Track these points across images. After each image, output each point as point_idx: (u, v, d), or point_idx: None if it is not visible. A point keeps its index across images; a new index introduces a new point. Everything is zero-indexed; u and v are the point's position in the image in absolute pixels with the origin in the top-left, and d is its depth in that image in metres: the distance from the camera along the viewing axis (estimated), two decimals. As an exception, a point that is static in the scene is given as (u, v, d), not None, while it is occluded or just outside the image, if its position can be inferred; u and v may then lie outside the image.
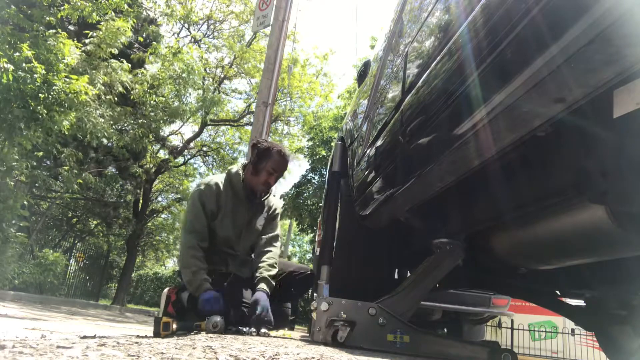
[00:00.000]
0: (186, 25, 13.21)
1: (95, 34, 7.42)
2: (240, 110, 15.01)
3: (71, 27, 9.87)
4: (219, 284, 2.15)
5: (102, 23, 7.38)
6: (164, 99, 10.04)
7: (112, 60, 7.78)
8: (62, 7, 6.75)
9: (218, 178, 2.28)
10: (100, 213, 12.91)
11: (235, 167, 2.33)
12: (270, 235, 2.35)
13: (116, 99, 8.42)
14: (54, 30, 6.13)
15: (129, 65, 8.35)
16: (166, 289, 2.33)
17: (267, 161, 2.23)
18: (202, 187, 2.24)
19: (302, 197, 14.21)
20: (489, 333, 8.42)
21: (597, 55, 0.73)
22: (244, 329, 1.92)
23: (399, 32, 1.97)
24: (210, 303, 1.96)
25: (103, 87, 7.35)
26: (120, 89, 8.09)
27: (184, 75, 9.78)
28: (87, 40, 7.44)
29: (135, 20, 8.72)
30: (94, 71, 7.15)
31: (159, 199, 16.31)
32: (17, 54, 5.37)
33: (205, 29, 13.70)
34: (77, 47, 6.47)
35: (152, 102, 9.86)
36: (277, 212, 2.44)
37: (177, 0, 12.16)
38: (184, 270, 2.12)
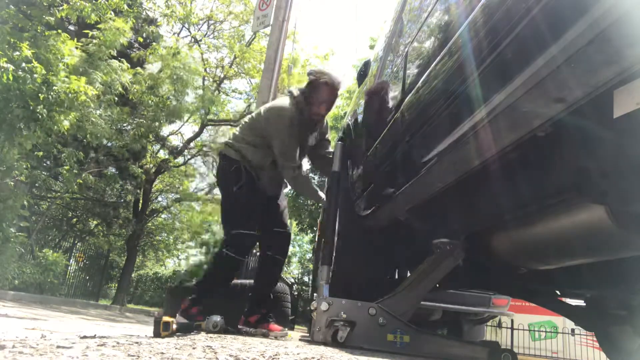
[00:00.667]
0: (186, 25, 13.21)
1: (95, 35, 7.41)
2: (240, 110, 15.00)
3: (71, 27, 9.87)
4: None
5: (101, 24, 7.38)
6: (162, 98, 10.02)
7: (112, 61, 7.78)
8: (61, 7, 6.74)
9: (289, 106, 2.33)
10: (100, 213, 12.91)
11: (298, 94, 2.40)
12: (327, 150, 2.64)
13: (116, 99, 8.41)
14: (54, 31, 6.13)
15: (129, 65, 8.35)
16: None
17: (316, 93, 2.35)
18: (286, 110, 2.29)
19: (302, 197, 14.22)
20: (489, 333, 8.42)
21: (597, 55, 0.73)
22: (244, 329, 1.92)
23: (399, 32, 1.97)
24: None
25: (102, 87, 7.34)
26: (120, 89, 8.08)
27: (183, 76, 9.77)
28: (87, 40, 7.44)
29: (134, 21, 8.71)
30: (92, 71, 7.14)
31: (159, 199, 16.30)
32: (17, 53, 5.37)
33: (206, 29, 13.71)
34: (77, 47, 6.47)
35: (150, 101, 9.85)
36: (325, 126, 2.63)
37: (177, 1, 12.16)
38: (304, 189, 2.48)
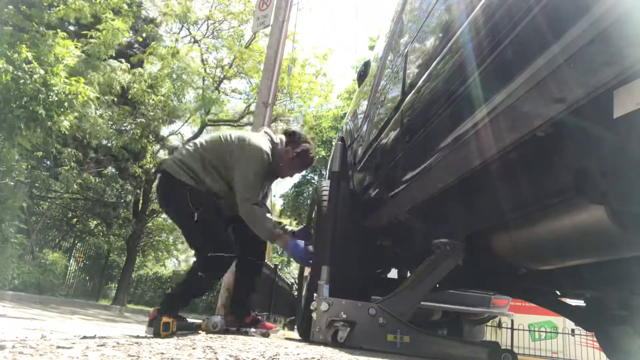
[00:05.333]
0: (185, 25, 13.21)
1: (95, 36, 7.41)
2: (240, 110, 15.00)
3: (71, 27, 9.87)
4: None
5: (101, 24, 7.37)
6: (162, 98, 10.02)
7: (111, 61, 7.77)
8: (58, 8, 6.74)
9: (267, 147, 2.28)
10: (100, 213, 12.89)
11: (277, 142, 2.37)
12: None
13: (115, 99, 8.41)
14: (54, 31, 6.13)
15: (128, 65, 8.34)
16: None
17: (302, 162, 2.43)
18: (265, 155, 2.23)
19: (301, 197, 14.23)
20: (489, 333, 8.42)
21: (597, 55, 0.73)
22: (243, 329, 1.92)
23: (399, 32, 1.97)
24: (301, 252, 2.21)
25: (100, 88, 7.34)
26: (118, 88, 8.07)
27: (183, 75, 9.77)
28: (85, 41, 7.43)
29: (133, 20, 8.71)
30: (91, 71, 7.13)
31: (159, 199, 16.25)
32: (16, 54, 5.37)
33: (205, 29, 13.71)
34: (76, 48, 6.47)
35: (150, 101, 9.85)
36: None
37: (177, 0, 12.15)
38: (254, 223, 2.19)
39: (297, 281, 4.39)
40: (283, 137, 2.43)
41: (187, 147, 2.33)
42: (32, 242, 8.26)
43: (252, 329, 2.20)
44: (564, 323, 8.44)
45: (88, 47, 7.28)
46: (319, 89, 14.28)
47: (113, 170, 12.61)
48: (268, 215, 2.19)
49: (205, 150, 2.23)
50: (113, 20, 7.44)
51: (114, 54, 7.81)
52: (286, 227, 2.40)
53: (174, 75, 9.69)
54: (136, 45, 11.12)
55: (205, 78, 12.64)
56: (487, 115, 0.99)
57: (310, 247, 2.27)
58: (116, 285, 14.23)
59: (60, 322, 3.55)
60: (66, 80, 5.88)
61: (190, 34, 13.43)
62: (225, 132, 2.37)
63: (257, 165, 2.18)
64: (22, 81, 5.33)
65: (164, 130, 13.06)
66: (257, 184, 2.19)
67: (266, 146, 2.26)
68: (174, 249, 17.99)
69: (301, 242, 2.24)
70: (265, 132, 2.42)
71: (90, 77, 6.93)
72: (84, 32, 7.59)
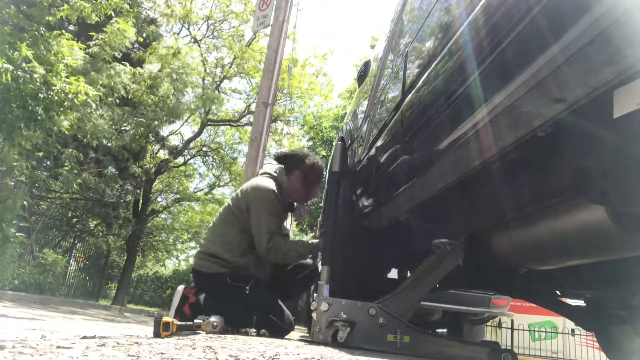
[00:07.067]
0: (186, 25, 13.21)
1: (100, 37, 7.41)
2: (240, 110, 15.01)
3: (71, 27, 9.87)
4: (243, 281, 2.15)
5: (107, 26, 7.37)
6: (162, 97, 10.02)
7: (115, 64, 7.78)
8: (61, 8, 6.74)
9: (274, 187, 2.23)
10: (100, 213, 12.89)
11: (277, 176, 2.32)
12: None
13: (117, 101, 8.41)
14: (57, 31, 6.13)
15: (131, 68, 8.35)
16: (181, 287, 2.25)
17: (314, 178, 2.30)
18: (274, 195, 2.19)
19: (301, 197, 14.20)
20: (489, 333, 8.41)
21: (597, 55, 0.73)
22: (243, 329, 1.92)
23: (399, 32, 1.97)
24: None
25: (103, 90, 7.34)
26: (123, 92, 8.08)
27: (183, 75, 9.76)
28: (91, 43, 7.44)
29: (134, 21, 8.71)
30: (94, 73, 7.14)
31: (159, 199, 16.30)
32: (16, 53, 5.37)
33: (205, 29, 13.71)
34: (80, 49, 6.47)
35: (150, 101, 9.85)
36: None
37: (177, 0, 12.15)
38: (289, 255, 2.15)
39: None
40: (281, 167, 2.36)
41: (205, 239, 2.35)
42: (32, 242, 8.26)
43: (252, 330, 2.19)
44: (564, 323, 8.44)
45: (92, 49, 7.29)
46: (319, 88, 14.29)
47: (113, 170, 12.62)
48: (290, 241, 2.18)
49: (221, 229, 2.23)
50: (118, 22, 7.44)
51: (119, 56, 7.81)
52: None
53: (174, 76, 9.69)
54: (136, 45, 11.12)
55: (205, 78, 12.65)
56: (487, 115, 0.99)
57: None
58: (116, 285, 14.24)
59: (60, 322, 3.55)
60: (66, 80, 5.88)
61: (190, 34, 13.43)
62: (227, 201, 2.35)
63: (269, 207, 2.14)
64: (21, 80, 5.33)
65: (164, 130, 13.07)
66: (275, 228, 2.14)
67: (273, 186, 2.21)
68: (173, 249, 17.99)
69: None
70: (265, 172, 2.36)
71: (92, 77, 6.93)
72: (90, 33, 7.59)
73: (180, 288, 2.25)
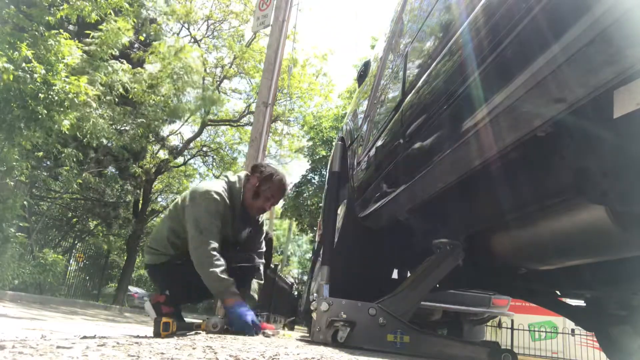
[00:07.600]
0: (186, 25, 13.22)
1: (97, 35, 7.40)
2: (240, 110, 15.02)
3: (71, 27, 9.86)
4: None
5: (103, 24, 7.37)
6: (162, 97, 10.02)
7: (113, 61, 7.77)
8: (61, 7, 6.74)
9: (220, 188, 2.20)
10: (100, 213, 12.91)
11: (235, 180, 2.30)
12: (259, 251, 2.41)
13: (116, 99, 8.41)
14: (55, 31, 6.13)
15: (130, 66, 8.34)
16: (147, 302, 2.22)
17: (268, 187, 2.27)
18: (215, 194, 2.14)
19: (302, 197, 14.22)
20: (489, 333, 8.42)
21: (597, 55, 0.73)
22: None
23: (399, 32, 1.97)
24: (248, 325, 1.89)
25: (102, 88, 7.34)
26: (121, 90, 8.07)
27: (183, 75, 9.77)
28: (89, 40, 7.43)
29: (135, 20, 8.71)
30: (93, 72, 7.13)
31: (159, 199, 16.32)
32: (16, 53, 5.37)
33: (205, 29, 13.71)
34: (78, 48, 6.46)
35: (151, 101, 9.85)
36: (263, 226, 2.46)
37: (177, 0, 12.16)
38: (204, 269, 1.99)
39: (298, 279, 4.37)
40: (246, 173, 2.36)
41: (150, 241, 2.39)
42: (32, 242, 8.26)
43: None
44: (564, 323, 8.45)
45: (89, 47, 7.28)
46: (319, 88, 14.30)
47: (113, 170, 12.62)
48: (220, 264, 1.99)
49: (168, 223, 2.24)
50: (116, 20, 7.43)
51: (117, 53, 7.80)
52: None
53: (174, 76, 9.69)
54: (136, 45, 11.13)
55: (205, 78, 12.66)
56: (487, 115, 0.99)
57: (256, 318, 1.99)
58: (116, 285, 14.24)
59: (60, 322, 3.55)
60: (66, 79, 5.88)
61: (190, 34, 13.44)
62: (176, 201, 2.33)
63: (208, 206, 2.08)
64: (21, 80, 5.33)
65: (164, 130, 13.08)
66: (209, 227, 2.04)
67: (218, 187, 2.18)
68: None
69: (249, 311, 1.95)
70: (224, 176, 2.35)
71: (92, 76, 6.93)
72: (87, 31, 7.58)
73: (147, 304, 2.22)
